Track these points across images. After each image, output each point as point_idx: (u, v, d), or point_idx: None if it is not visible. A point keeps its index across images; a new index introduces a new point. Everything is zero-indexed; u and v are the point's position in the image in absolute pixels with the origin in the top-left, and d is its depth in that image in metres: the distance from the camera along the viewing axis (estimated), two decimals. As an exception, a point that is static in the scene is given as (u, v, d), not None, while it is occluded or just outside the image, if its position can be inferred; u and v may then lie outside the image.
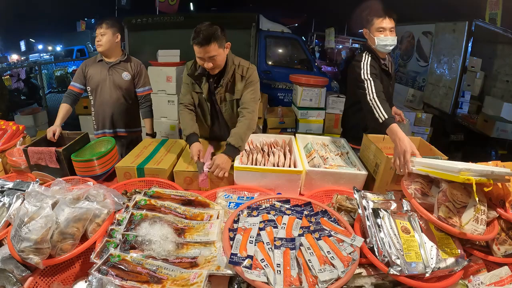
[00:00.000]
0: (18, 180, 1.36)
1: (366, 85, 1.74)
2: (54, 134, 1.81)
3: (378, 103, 1.61)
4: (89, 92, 2.27)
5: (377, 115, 1.57)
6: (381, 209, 1.11)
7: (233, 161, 1.60)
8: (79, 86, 2.21)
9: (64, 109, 2.10)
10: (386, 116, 1.51)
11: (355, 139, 1.97)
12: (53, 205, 1.06)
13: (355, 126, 2.15)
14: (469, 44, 3.91)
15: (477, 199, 1.10)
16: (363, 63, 1.84)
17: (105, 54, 2.19)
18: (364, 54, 1.87)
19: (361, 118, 1.89)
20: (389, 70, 1.98)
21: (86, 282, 0.97)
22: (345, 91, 3.03)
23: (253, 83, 1.77)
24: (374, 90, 1.69)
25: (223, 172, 1.54)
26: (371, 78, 1.74)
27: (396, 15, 1.85)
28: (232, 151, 1.61)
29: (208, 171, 1.56)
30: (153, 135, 2.39)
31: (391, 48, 1.87)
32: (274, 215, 1.15)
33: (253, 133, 1.88)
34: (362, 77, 1.77)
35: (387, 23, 1.82)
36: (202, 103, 1.88)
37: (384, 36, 1.83)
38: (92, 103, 2.30)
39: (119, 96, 2.25)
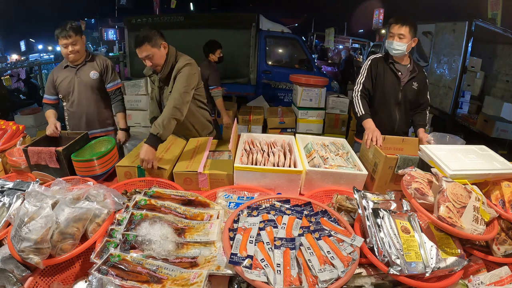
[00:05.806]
0: (18, 180, 1.36)
1: (357, 80, 2.12)
2: (56, 128, 1.87)
3: (359, 100, 2.03)
4: (62, 99, 2.26)
5: (357, 109, 2.01)
6: (381, 209, 1.11)
7: (155, 148, 1.59)
8: (52, 97, 2.21)
9: (51, 112, 2.13)
10: (363, 112, 1.97)
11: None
12: (53, 205, 1.06)
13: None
14: (469, 44, 3.91)
15: (476, 199, 1.11)
16: (369, 58, 2.14)
17: (75, 60, 2.16)
18: (380, 52, 2.09)
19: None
20: (400, 74, 2.04)
21: (86, 282, 0.97)
22: (345, 91, 3.09)
23: (180, 74, 1.79)
24: (360, 88, 2.07)
25: (149, 164, 1.54)
26: (364, 73, 2.09)
27: (411, 23, 1.93)
28: (152, 140, 1.60)
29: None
30: (126, 129, 2.38)
31: (395, 52, 1.98)
32: (274, 215, 1.15)
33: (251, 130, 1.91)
34: (361, 69, 2.14)
35: (396, 29, 1.94)
36: (159, 100, 2.05)
37: (390, 40, 1.97)
38: (65, 108, 2.29)
39: (90, 97, 2.24)
